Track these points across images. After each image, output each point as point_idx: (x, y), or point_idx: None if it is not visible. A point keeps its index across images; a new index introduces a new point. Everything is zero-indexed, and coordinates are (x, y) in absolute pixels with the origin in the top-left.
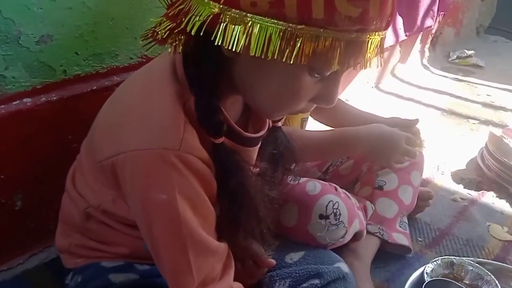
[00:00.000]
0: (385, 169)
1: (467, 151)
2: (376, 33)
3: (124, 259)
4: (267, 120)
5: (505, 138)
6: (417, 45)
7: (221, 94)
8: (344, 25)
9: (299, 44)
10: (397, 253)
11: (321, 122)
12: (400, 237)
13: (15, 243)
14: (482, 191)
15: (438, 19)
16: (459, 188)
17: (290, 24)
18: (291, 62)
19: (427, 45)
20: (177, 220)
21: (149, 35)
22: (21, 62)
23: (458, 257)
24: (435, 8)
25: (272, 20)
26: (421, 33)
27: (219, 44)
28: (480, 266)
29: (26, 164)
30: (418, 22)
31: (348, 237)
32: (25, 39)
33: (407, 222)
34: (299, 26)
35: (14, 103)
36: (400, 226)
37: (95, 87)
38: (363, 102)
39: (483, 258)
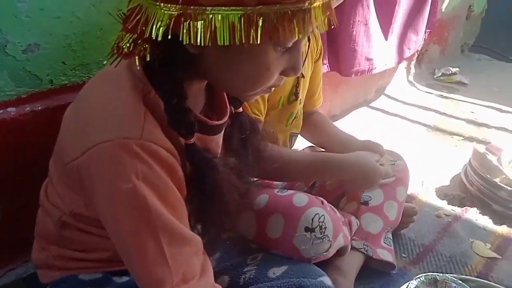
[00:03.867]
0: None
1: (451, 167)
2: None
3: (104, 266)
4: (227, 106)
5: (488, 154)
6: (403, 62)
7: (186, 88)
8: None
9: (260, 23)
10: (382, 269)
11: (306, 139)
12: (385, 253)
13: None
14: (465, 207)
15: (424, 36)
16: (443, 204)
17: (249, 7)
18: (258, 43)
19: (413, 62)
20: (145, 208)
21: (114, 51)
22: (6, 71)
23: (441, 274)
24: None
25: (231, 8)
26: None
27: (187, 42)
28: (463, 283)
29: (7, 174)
30: (421, 39)
31: (332, 252)
32: (11, 47)
33: (391, 238)
34: (257, 7)
35: None
36: (385, 242)
37: None
38: (351, 119)
39: (466, 275)
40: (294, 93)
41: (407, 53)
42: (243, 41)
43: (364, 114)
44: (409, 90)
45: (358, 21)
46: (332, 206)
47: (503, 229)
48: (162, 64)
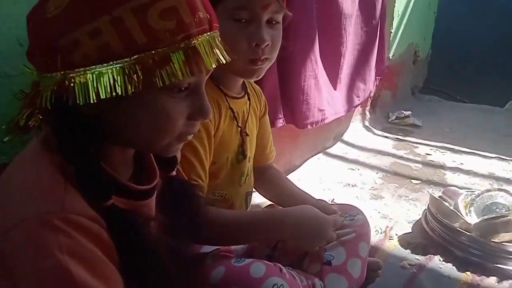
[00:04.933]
0: (333, 242)
1: (412, 213)
2: (205, 34)
3: None
4: (156, 170)
5: (445, 200)
6: (358, 108)
7: (105, 153)
8: (169, 39)
9: (140, 73)
10: None
11: (263, 196)
12: None
13: None
14: (429, 255)
15: (375, 83)
16: (407, 254)
17: (125, 59)
18: (141, 90)
19: (367, 108)
20: (72, 282)
21: (11, 127)
22: None
23: None
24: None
25: (108, 63)
26: None
27: (77, 104)
28: None
29: None
30: (370, 87)
31: None
32: None
33: None
34: (133, 58)
35: None
36: None
37: None
38: (310, 167)
39: None
40: (241, 152)
41: (356, 101)
42: (128, 92)
43: (322, 162)
44: (366, 135)
45: (309, 75)
46: (293, 271)
47: (467, 276)
48: (61, 131)
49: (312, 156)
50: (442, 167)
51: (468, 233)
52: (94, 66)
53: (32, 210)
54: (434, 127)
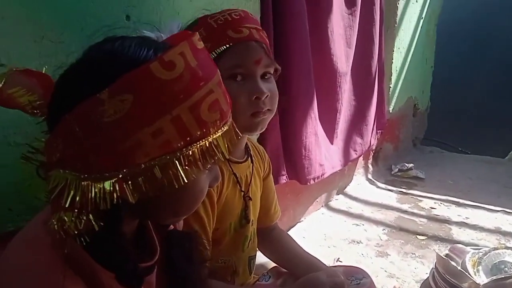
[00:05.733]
0: None
1: (419, 271)
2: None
3: None
4: (156, 243)
5: (452, 259)
6: (361, 161)
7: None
8: (217, 128)
9: (197, 160)
10: None
11: (268, 258)
12: None
13: None
14: None
15: (377, 136)
16: None
17: (183, 150)
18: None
19: (370, 161)
20: None
21: (63, 236)
22: None
23: None
24: (375, 127)
25: (167, 156)
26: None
27: (133, 200)
28: None
29: None
30: (369, 141)
31: None
32: None
33: None
34: (188, 148)
35: None
36: None
37: None
38: (314, 223)
39: None
40: (244, 216)
41: (353, 155)
42: (187, 180)
43: (326, 217)
44: (369, 189)
45: (310, 131)
46: None
47: None
48: (110, 227)
49: (316, 211)
50: (448, 221)
51: None
52: (150, 161)
53: None
54: (437, 179)
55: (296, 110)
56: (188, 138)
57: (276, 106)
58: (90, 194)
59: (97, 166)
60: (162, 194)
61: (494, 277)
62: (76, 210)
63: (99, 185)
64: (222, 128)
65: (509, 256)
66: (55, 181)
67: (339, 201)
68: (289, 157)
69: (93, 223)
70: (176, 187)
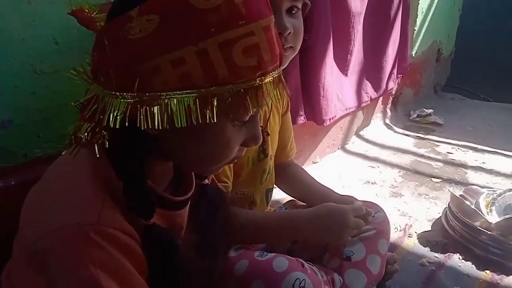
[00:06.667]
0: (352, 239)
1: (432, 211)
2: (275, 71)
3: None
4: (193, 180)
5: (466, 199)
6: (379, 106)
7: (149, 168)
8: (248, 75)
9: (215, 103)
10: None
11: (285, 192)
12: None
13: None
14: (448, 253)
15: (397, 81)
16: (426, 251)
17: (202, 90)
18: (214, 121)
19: (389, 106)
20: None
21: (73, 142)
22: None
23: None
24: (395, 71)
25: (186, 91)
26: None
27: (144, 128)
28: None
29: None
30: (383, 85)
31: None
32: None
33: None
34: (210, 89)
35: None
36: None
37: None
38: (329, 164)
39: None
40: (262, 151)
41: (365, 98)
42: (200, 121)
43: (342, 159)
44: (387, 133)
45: (328, 71)
46: (313, 267)
47: (486, 275)
48: (123, 149)
49: (332, 153)
50: (464, 165)
51: (489, 232)
52: (169, 92)
53: (70, 220)
54: (457, 125)
55: (316, 49)
56: (213, 78)
57: (300, 44)
58: (108, 110)
59: (116, 83)
60: (183, 136)
61: (507, 216)
62: (93, 123)
63: (116, 103)
64: (256, 80)
65: None
66: (88, 93)
67: (355, 144)
68: (308, 97)
69: (106, 140)
70: (195, 126)
